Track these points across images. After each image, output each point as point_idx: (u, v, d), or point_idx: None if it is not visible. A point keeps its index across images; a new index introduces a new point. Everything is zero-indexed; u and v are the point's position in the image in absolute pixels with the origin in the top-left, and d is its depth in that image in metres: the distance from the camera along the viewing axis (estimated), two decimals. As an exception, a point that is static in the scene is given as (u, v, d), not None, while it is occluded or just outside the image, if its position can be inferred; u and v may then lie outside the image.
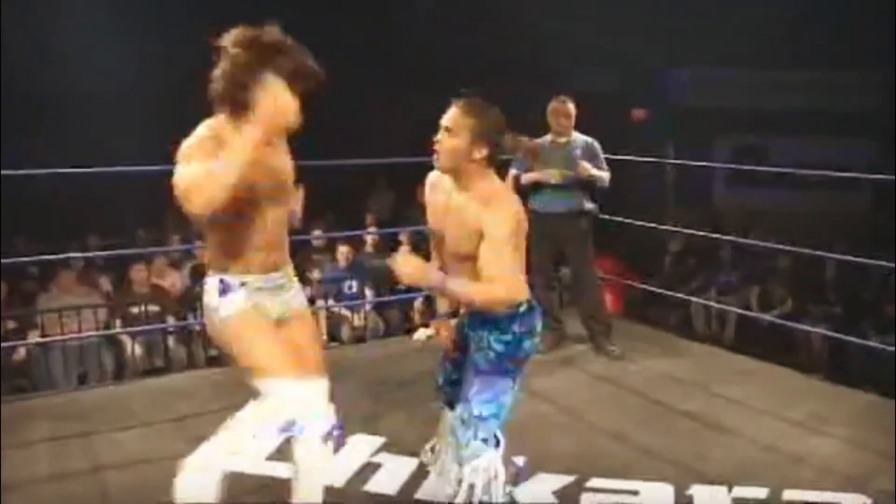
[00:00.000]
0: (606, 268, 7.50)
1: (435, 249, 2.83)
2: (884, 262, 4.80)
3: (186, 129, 2.37)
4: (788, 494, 3.20)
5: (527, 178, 4.95)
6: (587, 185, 5.03)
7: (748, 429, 3.87)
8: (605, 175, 4.99)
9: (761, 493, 3.21)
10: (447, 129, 2.52)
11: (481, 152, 2.50)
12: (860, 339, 5.82)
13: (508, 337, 2.57)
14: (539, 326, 2.67)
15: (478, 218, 2.47)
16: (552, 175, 4.91)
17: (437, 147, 2.55)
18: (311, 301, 7.20)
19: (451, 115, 2.53)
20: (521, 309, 2.57)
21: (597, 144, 5.06)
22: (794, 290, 7.81)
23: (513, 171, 4.95)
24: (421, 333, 5.61)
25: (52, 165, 4.70)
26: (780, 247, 6.26)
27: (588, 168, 4.90)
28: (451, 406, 2.81)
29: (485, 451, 2.57)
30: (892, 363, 5.00)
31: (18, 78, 8.81)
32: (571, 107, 4.99)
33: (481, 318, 2.59)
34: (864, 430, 3.78)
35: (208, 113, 2.37)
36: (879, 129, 10.33)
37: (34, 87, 9.06)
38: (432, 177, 2.71)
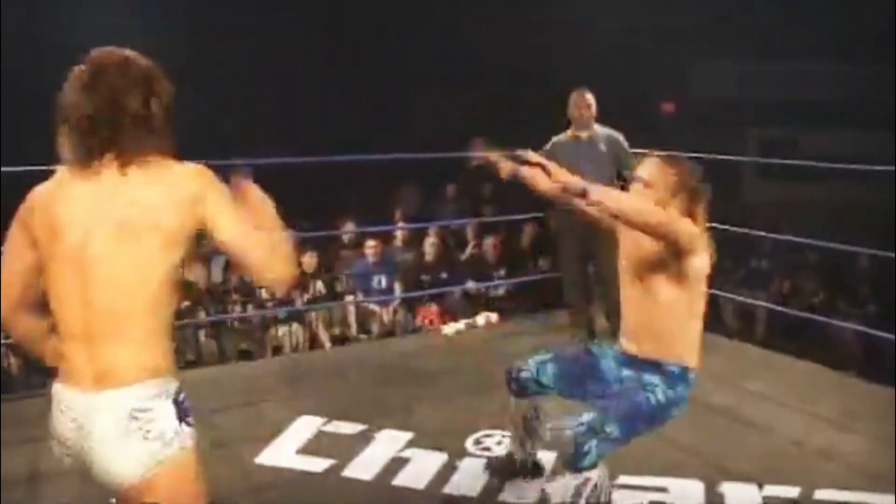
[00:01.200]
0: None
1: None
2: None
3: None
4: (820, 494, 3.17)
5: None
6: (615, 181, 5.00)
7: (778, 426, 3.83)
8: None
9: (793, 491, 3.18)
10: (644, 182, 2.63)
11: (676, 205, 2.61)
12: (893, 336, 5.70)
13: (672, 393, 2.67)
14: (686, 400, 2.76)
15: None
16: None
17: None
18: (341, 295, 7.24)
19: (650, 170, 2.65)
20: (691, 376, 2.70)
21: (621, 138, 5.00)
22: (826, 285, 7.70)
23: None
24: (450, 328, 5.61)
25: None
26: (813, 241, 6.15)
27: None
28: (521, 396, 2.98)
29: (600, 465, 2.62)
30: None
31: (18, 78, 8.91)
32: (591, 97, 4.96)
33: (655, 365, 2.70)
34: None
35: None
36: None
37: (34, 87, 9.16)
38: None
